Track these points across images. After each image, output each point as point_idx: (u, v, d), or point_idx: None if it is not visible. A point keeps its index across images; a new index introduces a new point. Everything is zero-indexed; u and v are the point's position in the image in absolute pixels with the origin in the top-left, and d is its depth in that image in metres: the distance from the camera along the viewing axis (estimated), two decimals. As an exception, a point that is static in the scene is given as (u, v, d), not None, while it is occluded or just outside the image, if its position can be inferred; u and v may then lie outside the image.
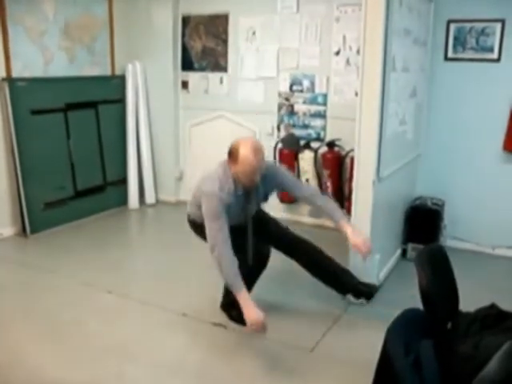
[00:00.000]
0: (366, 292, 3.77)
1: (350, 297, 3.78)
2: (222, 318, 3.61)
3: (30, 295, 3.95)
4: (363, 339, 3.33)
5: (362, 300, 3.77)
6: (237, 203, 3.21)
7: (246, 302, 2.99)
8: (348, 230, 3.27)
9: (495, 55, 4.60)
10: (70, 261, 4.59)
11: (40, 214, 5.22)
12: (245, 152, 3.04)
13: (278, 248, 3.64)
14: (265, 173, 3.23)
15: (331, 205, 3.44)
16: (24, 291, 4.02)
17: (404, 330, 2.17)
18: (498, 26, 4.53)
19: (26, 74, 5.07)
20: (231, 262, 3.04)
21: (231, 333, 3.47)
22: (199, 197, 3.24)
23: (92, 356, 3.16)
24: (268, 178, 3.32)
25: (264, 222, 3.65)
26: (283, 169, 3.62)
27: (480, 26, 4.61)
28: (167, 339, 3.39)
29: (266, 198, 3.55)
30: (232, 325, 3.53)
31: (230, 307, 3.60)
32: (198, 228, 3.40)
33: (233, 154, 3.11)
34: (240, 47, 5.75)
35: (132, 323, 3.58)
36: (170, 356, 3.20)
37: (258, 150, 3.08)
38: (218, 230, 3.08)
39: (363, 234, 3.45)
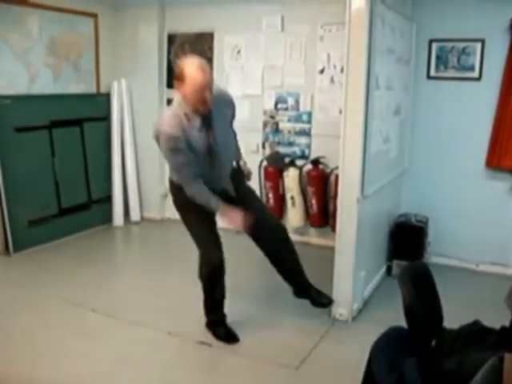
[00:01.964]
0: (320, 303, 3.70)
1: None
2: (208, 336, 3.58)
3: (12, 314, 3.89)
4: (349, 356, 3.32)
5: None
6: (199, 135, 3.15)
7: (226, 210, 3.22)
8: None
9: (476, 74, 4.68)
10: (53, 279, 4.54)
11: (24, 232, 5.17)
12: (190, 69, 3.00)
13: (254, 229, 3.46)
14: (220, 96, 3.27)
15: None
16: (7, 310, 3.96)
17: (388, 347, 2.17)
18: (479, 45, 4.62)
19: (10, 91, 5.05)
20: (203, 191, 3.20)
21: (217, 351, 3.44)
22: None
23: (75, 375, 3.12)
24: (225, 102, 3.35)
25: (248, 195, 3.59)
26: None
27: (461, 45, 4.69)
28: (152, 358, 3.36)
29: (231, 125, 3.51)
30: (217, 343, 3.51)
31: (215, 325, 3.58)
32: (175, 190, 3.40)
33: (179, 75, 3.05)
34: (225, 65, 5.79)
35: (116, 342, 3.54)
36: (155, 375, 3.17)
37: (203, 66, 3.04)
38: (182, 164, 3.15)
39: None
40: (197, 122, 3.14)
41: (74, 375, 3.13)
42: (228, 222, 3.22)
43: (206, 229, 3.40)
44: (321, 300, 3.69)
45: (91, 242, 5.65)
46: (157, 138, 3.16)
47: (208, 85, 3.04)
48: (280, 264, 3.63)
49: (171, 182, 3.46)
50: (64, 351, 3.39)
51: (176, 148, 3.08)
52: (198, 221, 3.35)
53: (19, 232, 5.13)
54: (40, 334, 3.61)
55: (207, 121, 3.18)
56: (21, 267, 4.85)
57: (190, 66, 3.02)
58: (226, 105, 3.38)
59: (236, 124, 5.85)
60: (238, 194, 3.48)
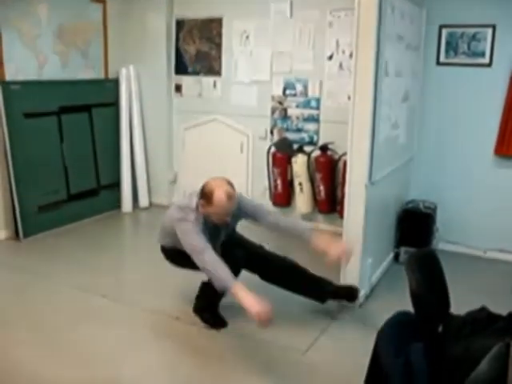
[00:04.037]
0: (346, 295, 3.72)
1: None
2: (215, 321, 3.61)
3: (22, 299, 3.93)
4: (356, 341, 3.34)
5: (344, 302, 3.76)
6: (205, 233, 3.25)
7: (243, 293, 2.86)
8: (322, 245, 3.32)
9: (486, 60, 4.65)
10: (63, 265, 4.57)
11: (33, 218, 5.21)
12: (219, 196, 3.14)
13: (252, 266, 3.62)
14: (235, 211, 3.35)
15: (297, 223, 3.70)
16: (17, 295, 4.00)
17: (395, 332, 2.18)
18: (489, 31, 4.58)
19: (20, 78, 5.07)
20: (217, 264, 3.04)
21: (225, 336, 3.47)
22: (170, 226, 3.36)
23: (84, 360, 3.16)
24: (235, 214, 3.40)
25: (236, 240, 3.70)
26: (246, 199, 3.59)
27: (471, 31, 4.65)
28: (160, 343, 3.39)
29: (233, 230, 3.66)
30: (225, 328, 3.53)
31: (202, 310, 3.62)
32: (173, 255, 3.59)
33: (206, 196, 3.20)
34: (234, 51, 5.77)
35: (126, 327, 3.57)
36: (164, 359, 3.21)
37: (231, 195, 3.19)
38: (197, 241, 3.15)
39: (336, 242, 3.45)
40: (209, 224, 3.29)
41: (83, 360, 3.17)
42: (244, 305, 2.84)
43: None
44: (350, 290, 3.71)
45: (100, 227, 5.69)
46: (170, 226, 3.36)
47: (231, 211, 3.24)
48: (303, 288, 3.69)
49: (163, 248, 3.69)
50: (73, 336, 3.43)
51: (195, 230, 3.17)
52: None
53: (29, 217, 5.17)
54: (49, 318, 3.65)
55: (217, 231, 3.39)
56: (30, 253, 4.89)
57: (220, 192, 3.15)
58: (237, 215, 3.44)
59: (245, 110, 5.89)
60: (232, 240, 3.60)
